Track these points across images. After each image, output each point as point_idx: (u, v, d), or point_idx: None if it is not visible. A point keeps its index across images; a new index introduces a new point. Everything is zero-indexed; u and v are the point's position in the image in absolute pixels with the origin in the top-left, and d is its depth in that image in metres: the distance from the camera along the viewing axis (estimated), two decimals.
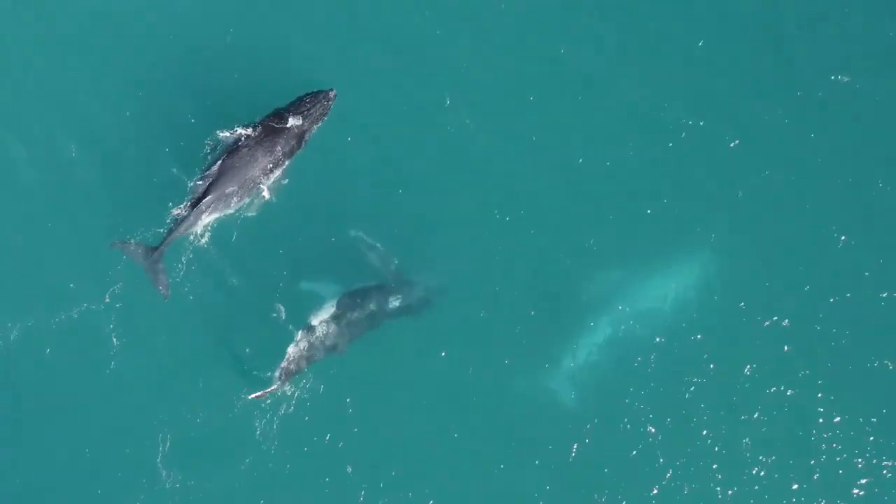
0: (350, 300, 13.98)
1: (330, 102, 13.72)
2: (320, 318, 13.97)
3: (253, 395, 13.79)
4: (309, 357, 13.84)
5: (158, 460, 14.25)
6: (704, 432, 13.68)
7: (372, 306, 13.99)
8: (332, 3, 14.32)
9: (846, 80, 13.33)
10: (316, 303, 14.13)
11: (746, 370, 13.60)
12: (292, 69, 14.16)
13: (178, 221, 13.46)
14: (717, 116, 13.70)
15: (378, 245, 14.09)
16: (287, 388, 14.03)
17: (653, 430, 13.75)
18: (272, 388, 13.71)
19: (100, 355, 14.49)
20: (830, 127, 13.53)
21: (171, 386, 14.44)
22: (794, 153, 13.61)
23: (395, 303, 13.99)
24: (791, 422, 13.53)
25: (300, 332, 13.93)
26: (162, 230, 13.86)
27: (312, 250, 14.27)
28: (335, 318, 13.89)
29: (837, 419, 13.40)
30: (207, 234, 14.14)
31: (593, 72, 13.92)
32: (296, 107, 13.64)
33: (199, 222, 13.63)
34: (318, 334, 13.87)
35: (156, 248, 13.49)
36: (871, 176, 13.39)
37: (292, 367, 13.77)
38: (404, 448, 14.14)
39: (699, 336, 13.75)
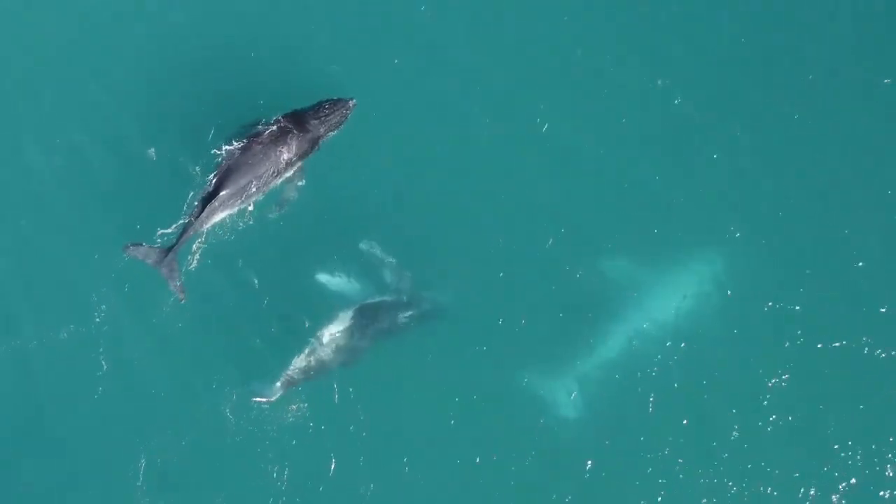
0: (361, 316, 13.55)
1: (349, 112, 13.63)
2: (329, 333, 13.46)
3: (256, 399, 13.13)
4: (314, 370, 13.31)
5: (142, 486, 13.26)
6: (724, 445, 13.39)
7: (383, 323, 13.63)
8: (362, 16, 14.37)
9: (861, 76, 13.79)
10: (325, 317, 13.56)
11: (767, 379, 13.43)
12: (316, 74, 14.01)
13: (190, 221, 13.02)
14: (729, 117, 13.94)
15: (391, 259, 13.75)
16: (290, 408, 13.34)
17: (668, 447, 13.41)
18: (272, 398, 13.09)
19: (87, 379, 13.50)
20: (846, 123, 13.84)
21: (162, 410, 13.54)
22: (807, 152, 13.83)
23: (405, 318, 13.67)
24: (811, 432, 13.35)
25: (307, 348, 13.37)
26: (159, 240, 13.32)
27: (324, 262, 13.75)
28: (344, 333, 13.44)
29: (861, 433, 13.26)
30: (202, 250, 13.62)
31: (608, 78, 14.11)
32: (314, 111, 13.51)
33: (211, 220, 13.19)
34: (325, 349, 13.35)
35: (170, 249, 12.97)
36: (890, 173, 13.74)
37: (295, 377, 13.20)
38: (411, 475, 13.39)
39: (715, 344, 13.55)
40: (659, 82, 14.02)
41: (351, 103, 13.66)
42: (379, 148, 14.04)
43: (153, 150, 13.84)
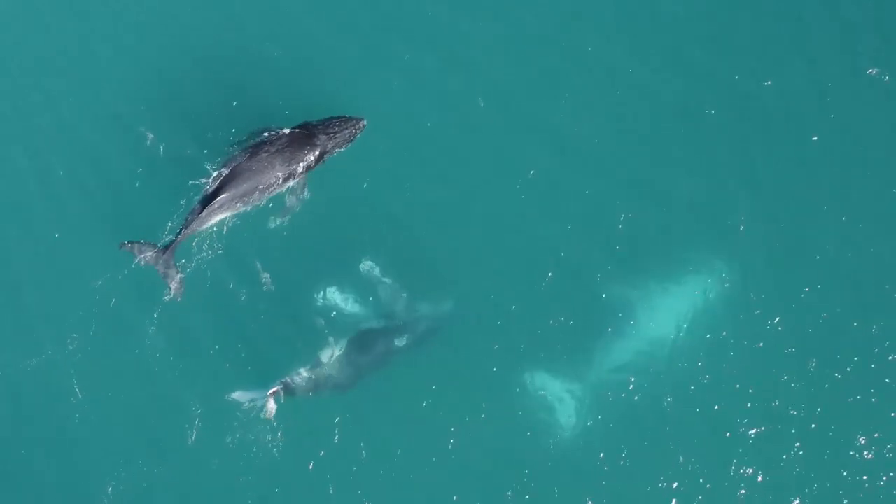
0: (357, 342, 12.89)
1: (358, 131, 13.20)
2: (325, 356, 12.77)
3: (270, 391, 12.22)
4: (310, 389, 12.57)
5: None
6: (727, 456, 12.52)
7: (378, 348, 12.96)
8: (381, 37, 14.04)
9: (872, 79, 13.37)
10: (321, 340, 12.81)
11: (767, 391, 12.67)
12: (330, 90, 13.59)
13: (189, 219, 12.38)
14: (733, 134, 13.53)
15: (387, 279, 13.07)
16: (277, 436, 12.40)
17: (673, 459, 12.53)
18: (272, 390, 12.26)
19: (63, 407, 12.46)
20: (861, 135, 13.42)
21: (137, 437, 12.60)
22: (811, 168, 13.36)
23: (402, 342, 12.99)
24: (812, 441, 12.54)
25: (302, 367, 12.64)
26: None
27: (323, 281, 13.01)
28: (340, 358, 12.75)
29: (870, 455, 12.51)
30: (196, 261, 12.82)
31: (612, 95, 13.78)
32: (324, 125, 13.09)
33: (210, 220, 12.55)
34: (322, 371, 12.65)
35: (166, 248, 12.31)
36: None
37: (293, 384, 12.45)
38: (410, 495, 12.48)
39: (716, 356, 12.83)
40: (664, 99, 13.71)
41: (361, 123, 13.25)
42: (382, 167, 13.46)
43: (147, 155, 13.35)
